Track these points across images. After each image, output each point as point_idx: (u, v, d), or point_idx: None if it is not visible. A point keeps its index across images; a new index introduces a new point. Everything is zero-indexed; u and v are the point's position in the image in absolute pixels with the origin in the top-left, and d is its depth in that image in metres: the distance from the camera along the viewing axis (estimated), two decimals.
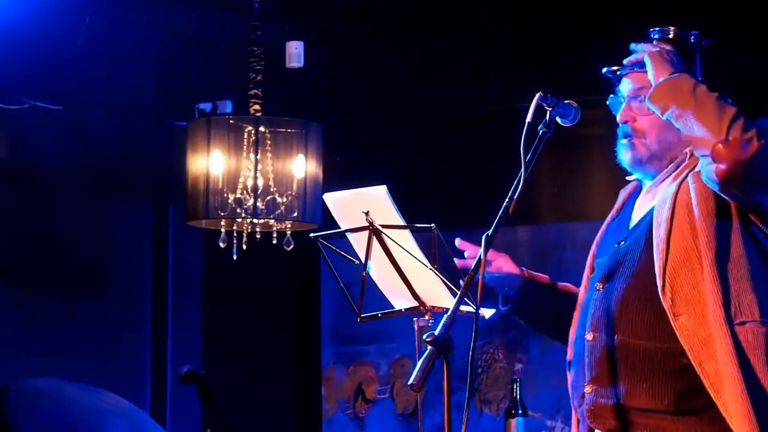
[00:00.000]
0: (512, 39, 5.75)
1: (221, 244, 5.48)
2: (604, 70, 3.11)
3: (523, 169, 2.86)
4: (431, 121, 6.44)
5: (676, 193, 2.93)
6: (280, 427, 6.89)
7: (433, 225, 3.33)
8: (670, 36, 3.09)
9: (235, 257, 5.48)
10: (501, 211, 2.86)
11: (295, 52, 5.98)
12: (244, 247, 5.51)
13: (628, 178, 3.20)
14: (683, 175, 2.96)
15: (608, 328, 2.95)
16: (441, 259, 3.33)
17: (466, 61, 6.01)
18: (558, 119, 3.02)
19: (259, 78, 5.56)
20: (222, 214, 5.40)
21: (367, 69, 6.21)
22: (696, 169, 2.93)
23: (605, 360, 2.95)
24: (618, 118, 3.06)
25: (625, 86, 3.09)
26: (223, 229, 5.49)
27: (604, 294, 2.99)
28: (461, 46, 5.94)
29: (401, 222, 3.30)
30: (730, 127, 2.78)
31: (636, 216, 3.08)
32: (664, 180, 3.04)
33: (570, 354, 3.10)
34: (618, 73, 3.10)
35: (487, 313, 3.33)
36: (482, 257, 2.80)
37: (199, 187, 5.45)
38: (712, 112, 2.81)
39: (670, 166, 3.04)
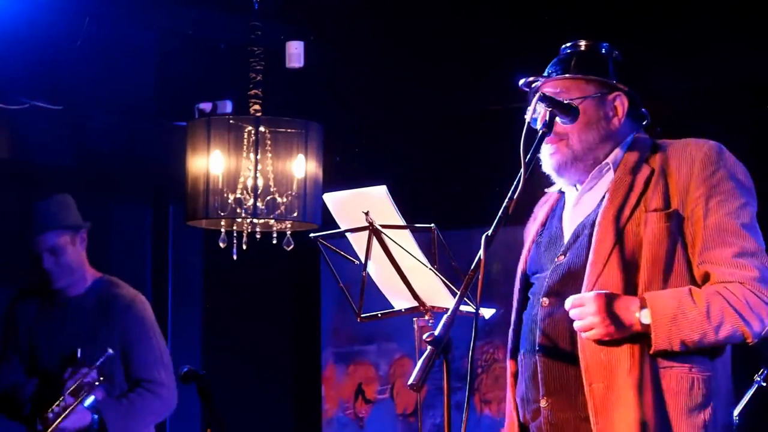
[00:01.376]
0: (512, 39, 5.75)
1: (221, 244, 5.48)
2: (521, 82, 3.13)
3: (523, 169, 2.86)
4: (431, 121, 6.44)
5: (623, 224, 2.94)
6: (280, 427, 6.90)
7: (433, 225, 3.33)
8: (582, 48, 3.11)
9: (235, 257, 5.49)
10: (501, 211, 2.86)
11: (295, 52, 5.98)
12: (244, 247, 5.51)
13: (547, 190, 3.21)
14: (632, 205, 2.95)
15: (561, 343, 2.97)
16: (441, 259, 3.33)
17: (466, 61, 6.01)
18: (557, 119, 3.02)
19: (259, 78, 5.57)
20: (222, 214, 5.40)
21: (367, 69, 6.22)
22: (654, 208, 2.92)
23: (561, 374, 2.96)
24: (537, 126, 3.06)
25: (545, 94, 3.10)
26: (223, 229, 5.49)
27: (554, 309, 2.99)
28: (460, 47, 5.94)
29: (401, 222, 3.30)
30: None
31: (569, 228, 3.09)
32: (589, 190, 3.06)
33: (513, 367, 3.11)
34: (533, 85, 3.12)
35: (487, 313, 3.33)
36: (482, 257, 2.79)
37: (199, 187, 5.45)
38: (710, 324, 2.85)
39: (593, 172, 3.06)
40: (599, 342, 2.89)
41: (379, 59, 6.13)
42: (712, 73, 5.47)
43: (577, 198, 3.10)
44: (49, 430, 4.57)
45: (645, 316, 2.85)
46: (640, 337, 2.87)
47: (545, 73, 3.11)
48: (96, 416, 4.63)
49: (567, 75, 3.07)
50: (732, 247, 2.87)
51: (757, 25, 5.29)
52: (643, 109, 3.13)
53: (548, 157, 3.08)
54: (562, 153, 3.06)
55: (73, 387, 4.61)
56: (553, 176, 3.11)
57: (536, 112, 3.05)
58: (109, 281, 4.89)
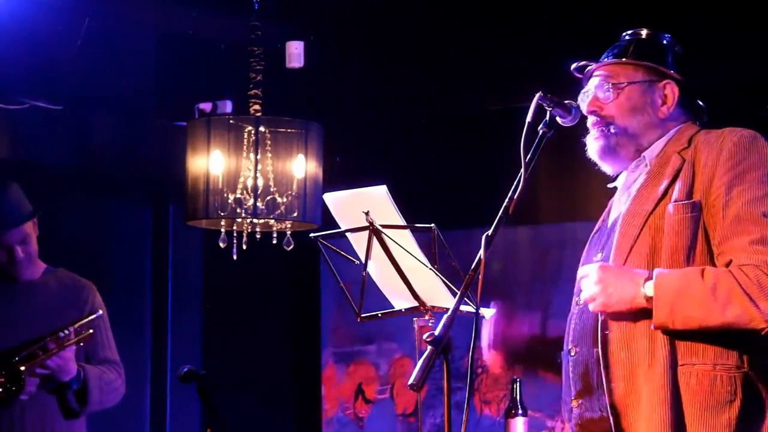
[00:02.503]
0: (512, 38, 5.75)
1: (221, 244, 5.48)
2: (573, 66, 3.12)
3: (523, 169, 2.86)
4: (431, 121, 6.44)
5: (646, 218, 2.91)
6: (280, 427, 6.89)
7: (433, 225, 3.33)
8: (642, 36, 3.10)
9: (235, 257, 5.48)
10: (501, 211, 2.86)
11: (295, 52, 5.98)
12: (244, 247, 5.50)
13: (609, 185, 3.19)
14: (658, 198, 2.93)
15: (588, 343, 2.95)
16: (441, 259, 3.33)
17: (466, 61, 6.01)
18: (558, 119, 3.02)
19: (259, 78, 5.56)
20: (222, 214, 5.40)
21: (367, 69, 6.21)
22: (675, 199, 2.89)
23: (587, 374, 2.95)
24: (585, 110, 3.06)
25: (593, 81, 3.09)
26: (223, 229, 5.49)
27: (582, 309, 2.98)
28: (461, 46, 5.94)
29: (401, 222, 3.30)
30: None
31: (609, 224, 3.07)
32: (631, 185, 3.04)
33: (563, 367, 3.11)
34: (587, 69, 3.11)
35: (487, 313, 3.34)
36: (482, 257, 2.79)
37: (199, 187, 5.45)
38: (719, 308, 2.77)
39: (631, 165, 3.04)
40: (620, 340, 2.85)
41: (379, 59, 6.13)
42: (712, 74, 5.47)
43: (619, 193, 3.09)
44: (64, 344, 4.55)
45: (649, 288, 2.80)
46: (660, 335, 2.83)
47: (601, 59, 3.09)
48: (81, 373, 4.63)
49: (614, 60, 3.05)
50: (751, 234, 2.79)
51: (757, 25, 5.29)
52: (700, 103, 3.09)
53: (593, 141, 3.05)
54: (606, 138, 3.03)
55: (76, 326, 4.62)
56: (597, 161, 3.08)
57: (587, 93, 3.04)
58: (61, 269, 4.88)
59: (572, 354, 2.98)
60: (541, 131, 2.95)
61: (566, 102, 3.03)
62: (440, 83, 6.18)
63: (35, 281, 4.78)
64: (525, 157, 2.86)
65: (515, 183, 2.87)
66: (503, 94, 5.95)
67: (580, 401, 2.96)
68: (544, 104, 2.95)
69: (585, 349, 2.95)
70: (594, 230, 3.16)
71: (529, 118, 2.92)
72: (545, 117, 2.96)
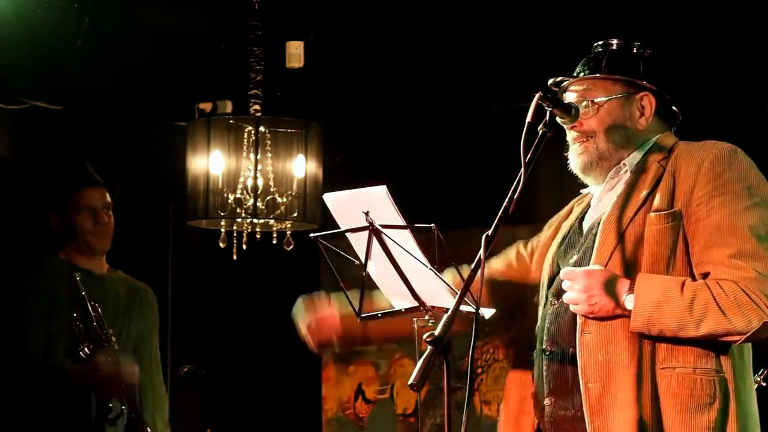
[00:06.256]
0: (512, 38, 5.75)
1: (221, 244, 5.48)
2: (550, 81, 3.14)
3: (523, 169, 2.86)
4: (431, 121, 6.44)
5: (626, 225, 2.94)
6: (280, 427, 6.90)
7: (433, 225, 3.33)
8: (613, 47, 3.11)
9: (235, 257, 5.49)
10: (501, 211, 2.86)
11: (295, 52, 5.98)
12: (244, 247, 5.51)
13: (583, 191, 3.21)
14: (637, 206, 2.95)
15: (563, 343, 2.98)
16: (441, 259, 3.33)
17: (466, 60, 6.01)
18: (558, 119, 3.02)
19: (259, 78, 5.57)
20: (222, 214, 5.41)
21: (367, 69, 6.22)
22: (655, 209, 2.92)
23: (562, 373, 2.98)
24: (566, 126, 3.07)
25: (572, 94, 3.11)
26: (223, 229, 5.49)
27: (558, 309, 3.01)
28: (461, 46, 5.94)
29: (401, 222, 3.30)
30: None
31: (585, 228, 3.10)
32: (610, 190, 3.07)
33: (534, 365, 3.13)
34: (563, 84, 3.12)
35: (487, 313, 3.33)
36: (482, 257, 2.80)
37: (199, 187, 5.45)
38: (695, 317, 2.82)
39: (611, 172, 3.07)
40: (598, 342, 2.90)
41: (379, 59, 6.13)
42: (712, 73, 5.47)
43: (597, 199, 3.12)
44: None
45: (629, 301, 2.86)
46: (640, 339, 2.87)
47: (575, 73, 3.11)
48: None
49: (592, 75, 3.08)
50: (730, 247, 2.84)
51: (755, 24, 5.29)
52: (674, 108, 3.11)
53: (575, 156, 3.09)
54: (588, 153, 3.07)
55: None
56: (580, 175, 3.12)
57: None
58: (119, 270, 4.86)
59: (547, 353, 3.02)
60: (541, 131, 2.95)
61: (566, 102, 3.04)
62: (440, 83, 6.18)
63: (105, 276, 4.71)
64: (525, 157, 2.86)
65: (515, 183, 2.87)
66: (503, 94, 5.96)
67: (552, 399, 3.00)
68: (544, 104, 2.96)
69: (561, 348, 2.99)
70: (565, 231, 3.18)
71: (529, 118, 2.91)
72: (545, 117, 2.96)
